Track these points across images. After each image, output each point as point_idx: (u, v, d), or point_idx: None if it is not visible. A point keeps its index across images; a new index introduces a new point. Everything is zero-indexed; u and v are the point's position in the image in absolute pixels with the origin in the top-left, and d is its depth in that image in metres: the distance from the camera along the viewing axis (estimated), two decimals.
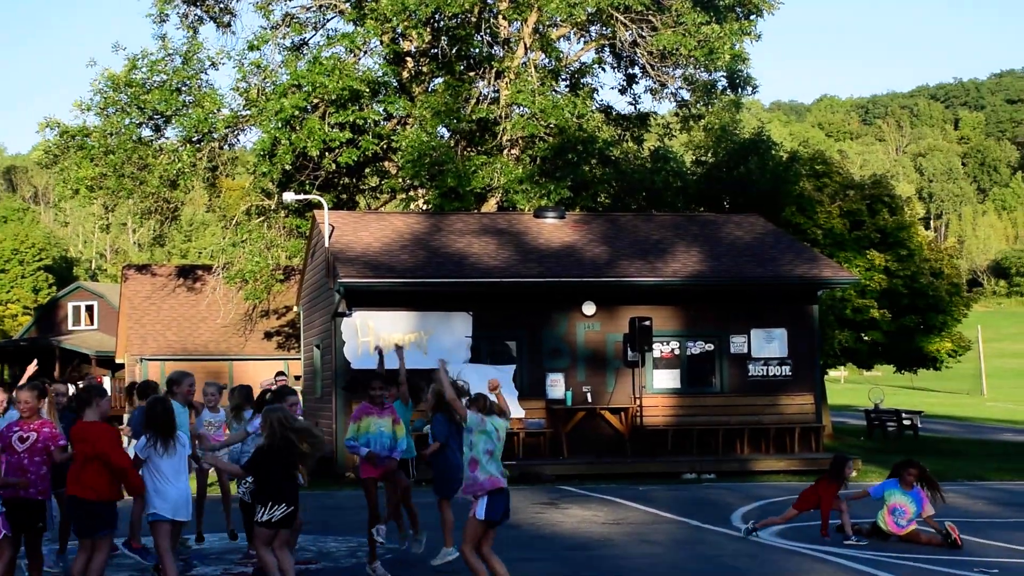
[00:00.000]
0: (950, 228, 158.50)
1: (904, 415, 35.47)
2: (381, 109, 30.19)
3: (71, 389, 13.86)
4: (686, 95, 34.34)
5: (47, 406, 10.05)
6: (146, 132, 30.74)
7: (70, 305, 52.28)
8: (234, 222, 31.90)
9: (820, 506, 13.53)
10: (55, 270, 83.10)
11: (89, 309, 51.56)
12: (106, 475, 8.96)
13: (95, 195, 31.10)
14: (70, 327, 51.14)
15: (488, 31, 31.18)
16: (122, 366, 40.16)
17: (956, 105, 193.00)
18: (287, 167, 28.86)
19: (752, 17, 32.98)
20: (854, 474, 13.47)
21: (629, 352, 22.55)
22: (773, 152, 34.09)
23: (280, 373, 21.50)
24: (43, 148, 32.56)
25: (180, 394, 11.21)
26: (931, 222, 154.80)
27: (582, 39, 34.27)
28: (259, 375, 30.94)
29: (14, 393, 10.08)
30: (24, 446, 9.54)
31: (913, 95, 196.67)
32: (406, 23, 29.25)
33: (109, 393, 12.80)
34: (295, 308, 30.64)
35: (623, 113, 36.00)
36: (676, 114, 36.52)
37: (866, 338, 32.08)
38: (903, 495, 13.26)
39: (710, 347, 23.53)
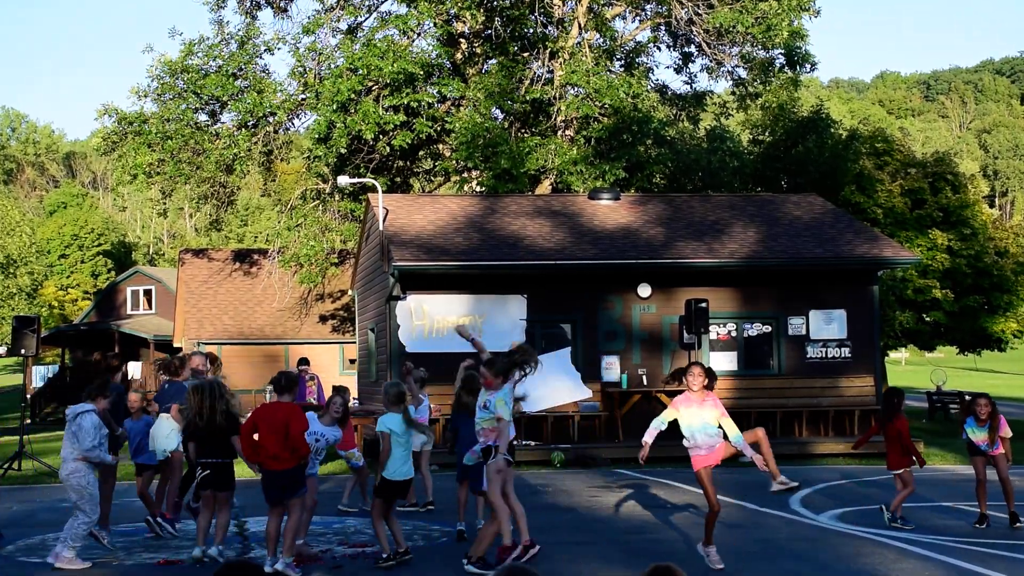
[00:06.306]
0: (1016, 206, 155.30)
1: (967, 397, 34.72)
2: (435, 91, 30.10)
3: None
4: (743, 73, 33.87)
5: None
6: (202, 117, 30.94)
7: (128, 290, 52.97)
8: (289, 206, 32.04)
9: (903, 440, 12.95)
10: (114, 255, 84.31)
11: (147, 293, 52.22)
12: (287, 446, 10.00)
13: (153, 180, 31.42)
14: (129, 311, 51.81)
15: (542, 11, 30.93)
16: (180, 350, 40.57)
17: (1023, 79, 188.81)
18: (342, 151, 28.89)
19: None
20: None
21: (685, 334, 22.32)
22: (832, 130, 33.60)
23: (303, 360, 21.76)
24: (101, 135, 32.87)
25: None
26: (996, 200, 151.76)
27: (637, 17, 33.93)
28: (314, 359, 31.09)
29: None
30: None
31: (977, 70, 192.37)
32: (460, 4, 29.11)
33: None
34: (350, 292, 30.72)
35: (679, 92, 35.62)
36: (733, 93, 36.04)
37: (928, 319, 31.53)
38: (980, 431, 13.15)
39: (767, 329, 23.23)
